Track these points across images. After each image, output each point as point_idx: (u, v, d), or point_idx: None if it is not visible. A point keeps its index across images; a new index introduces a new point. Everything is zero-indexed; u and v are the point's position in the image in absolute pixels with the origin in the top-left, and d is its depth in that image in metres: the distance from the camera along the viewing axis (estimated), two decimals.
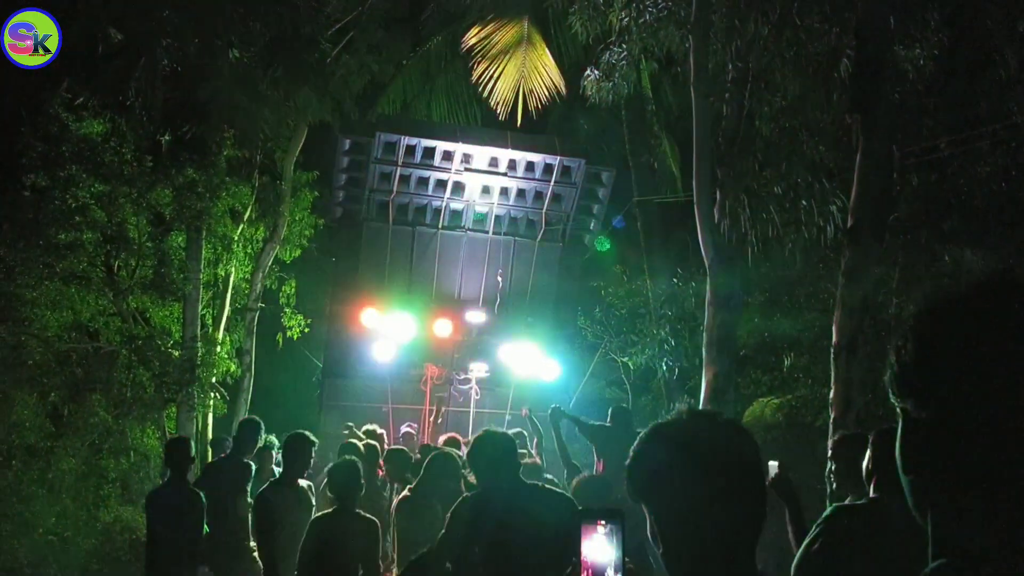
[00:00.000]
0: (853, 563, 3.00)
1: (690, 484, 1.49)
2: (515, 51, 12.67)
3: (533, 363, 11.72)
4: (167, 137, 13.22)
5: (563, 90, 12.94)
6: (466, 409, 11.79)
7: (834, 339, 7.32)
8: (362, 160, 12.91)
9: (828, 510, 3.18)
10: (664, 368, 12.80)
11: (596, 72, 10.57)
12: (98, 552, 10.50)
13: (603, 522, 1.97)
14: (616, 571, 1.93)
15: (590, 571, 1.94)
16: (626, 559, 1.97)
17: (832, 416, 7.18)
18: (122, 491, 12.28)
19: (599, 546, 1.95)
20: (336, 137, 13.56)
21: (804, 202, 8.75)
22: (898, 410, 1.03)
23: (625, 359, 13.45)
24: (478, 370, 11.90)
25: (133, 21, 12.44)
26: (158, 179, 13.06)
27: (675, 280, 12.89)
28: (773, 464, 4.20)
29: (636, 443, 1.61)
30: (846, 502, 3.41)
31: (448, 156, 12.67)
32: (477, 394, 11.84)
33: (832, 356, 7.33)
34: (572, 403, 12.19)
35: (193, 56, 12.50)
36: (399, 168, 12.66)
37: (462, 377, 12.03)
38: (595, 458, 8.07)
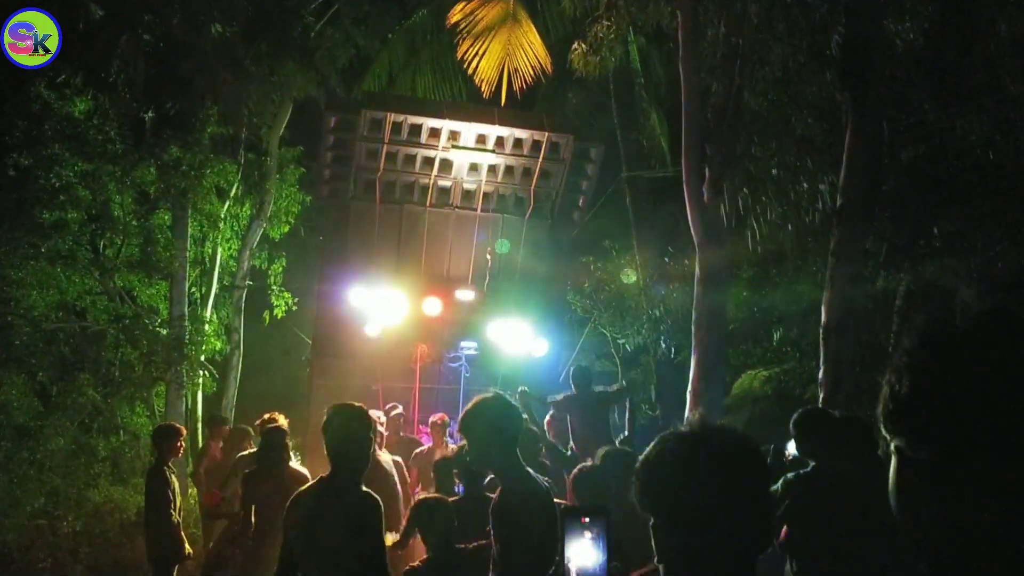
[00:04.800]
0: (803, 518, 4.11)
1: (712, 499, 1.44)
2: (500, 28, 12.49)
3: (523, 340, 11.71)
4: (150, 114, 13.08)
5: (548, 69, 12.79)
6: (456, 386, 11.79)
7: (823, 320, 7.31)
8: (348, 137, 12.76)
9: (779, 483, 4.19)
10: (663, 345, 12.77)
11: (583, 46, 10.44)
12: (88, 533, 10.48)
13: (587, 520, 1.96)
14: (601, 571, 1.92)
15: (575, 571, 1.93)
16: (612, 561, 1.96)
17: (821, 395, 7.19)
18: (112, 470, 12.27)
19: (583, 546, 1.94)
20: (322, 113, 13.42)
21: (802, 181, 8.72)
22: (891, 448, 0.98)
23: (621, 340, 13.43)
24: (467, 348, 11.90)
25: None
26: (142, 157, 12.94)
27: (666, 258, 12.85)
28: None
29: (651, 453, 1.54)
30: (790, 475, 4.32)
31: (435, 133, 12.54)
32: (467, 371, 11.85)
33: (821, 336, 7.32)
34: (562, 378, 12.21)
35: (175, 31, 12.33)
36: (385, 146, 12.52)
37: (452, 355, 12.02)
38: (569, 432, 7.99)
